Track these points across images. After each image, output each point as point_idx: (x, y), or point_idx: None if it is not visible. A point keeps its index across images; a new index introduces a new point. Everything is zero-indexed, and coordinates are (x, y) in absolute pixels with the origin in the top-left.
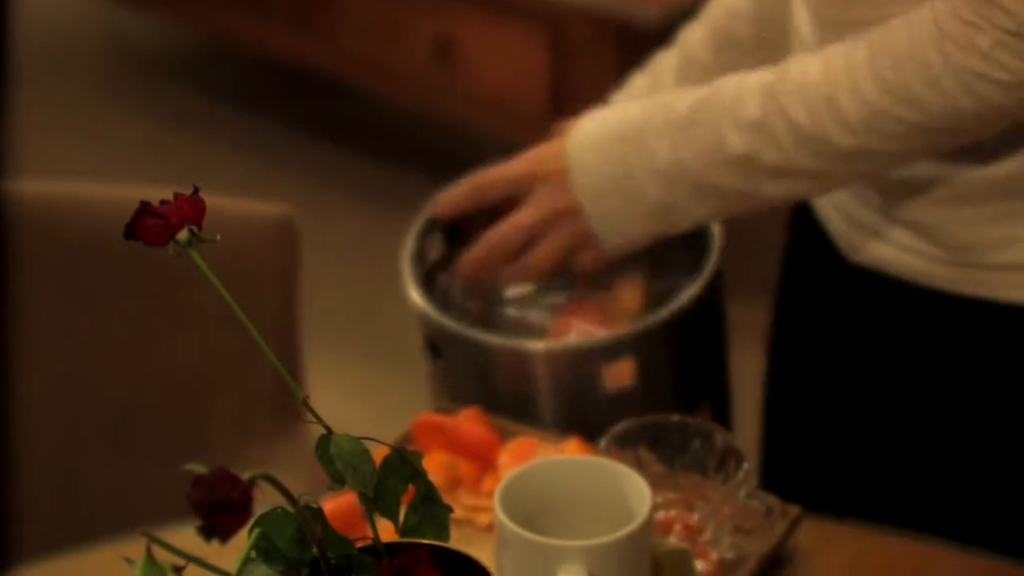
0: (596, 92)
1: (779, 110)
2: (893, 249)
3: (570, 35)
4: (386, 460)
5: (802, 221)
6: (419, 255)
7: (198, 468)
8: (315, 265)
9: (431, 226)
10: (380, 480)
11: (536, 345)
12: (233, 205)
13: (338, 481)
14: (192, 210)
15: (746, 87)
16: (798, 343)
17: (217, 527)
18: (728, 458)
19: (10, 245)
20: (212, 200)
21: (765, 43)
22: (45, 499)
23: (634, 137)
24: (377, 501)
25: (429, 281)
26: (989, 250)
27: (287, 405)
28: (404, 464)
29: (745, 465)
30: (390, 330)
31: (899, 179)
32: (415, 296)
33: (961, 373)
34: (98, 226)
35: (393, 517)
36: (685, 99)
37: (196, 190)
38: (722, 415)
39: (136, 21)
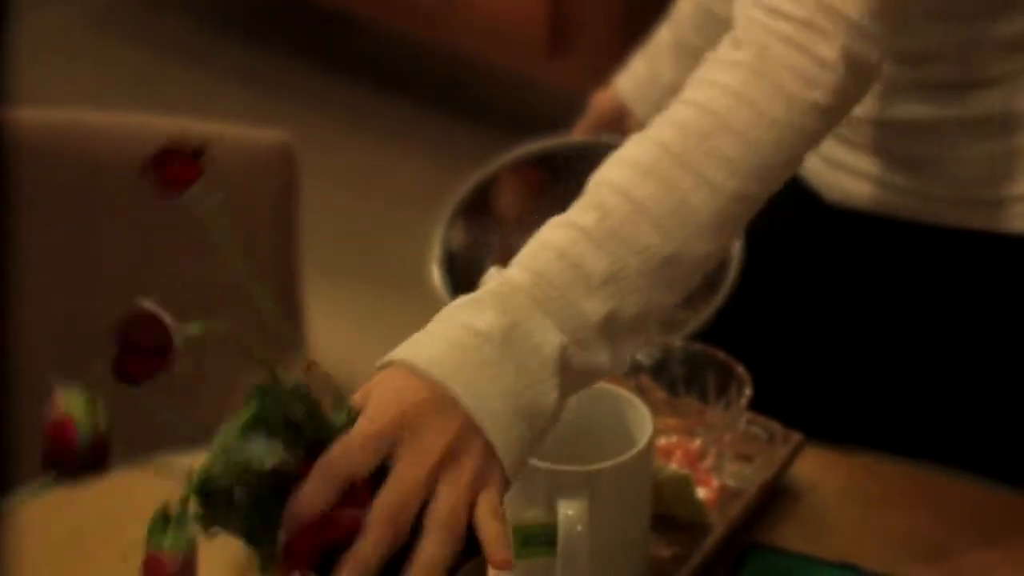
0: (596, 20)
1: (628, 252)
2: (882, 190)
3: None
4: None
5: None
6: (447, 243)
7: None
8: (315, 193)
9: (458, 214)
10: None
11: None
12: (232, 132)
13: None
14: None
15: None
16: (774, 285)
17: (130, 371)
18: (730, 384)
19: (7, 172)
20: (211, 127)
21: None
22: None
23: (510, 330)
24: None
25: (453, 269)
26: (993, 184)
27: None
28: None
29: (747, 391)
30: (391, 258)
31: (899, 120)
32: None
33: (956, 305)
34: (96, 153)
35: None
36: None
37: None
38: None
39: None
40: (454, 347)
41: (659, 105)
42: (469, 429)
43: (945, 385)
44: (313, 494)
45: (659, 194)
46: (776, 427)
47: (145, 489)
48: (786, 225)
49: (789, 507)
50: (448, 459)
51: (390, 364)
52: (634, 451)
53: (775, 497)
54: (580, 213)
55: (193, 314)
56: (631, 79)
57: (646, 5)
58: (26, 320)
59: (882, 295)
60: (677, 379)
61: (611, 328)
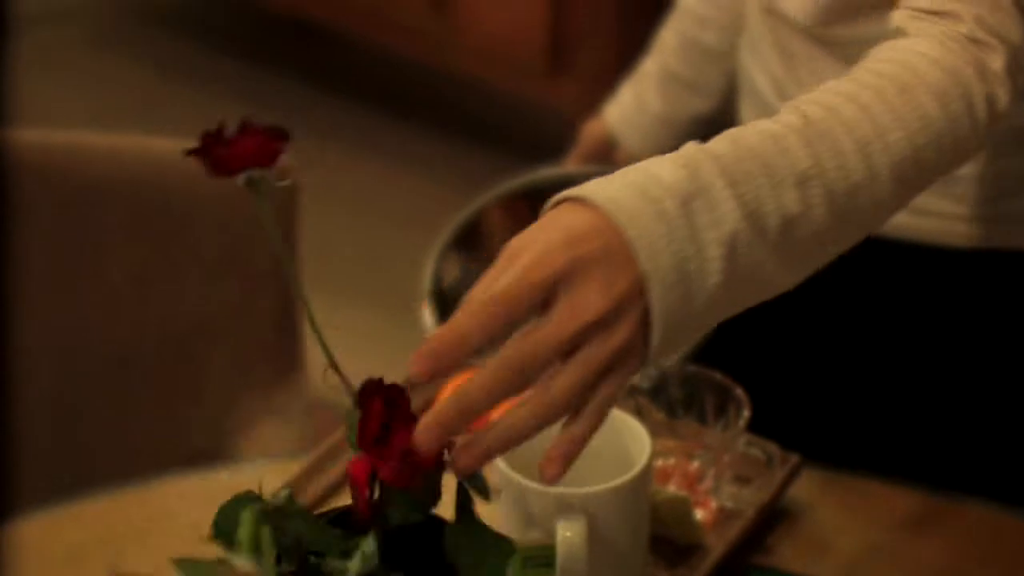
0: (595, 40)
1: (830, 159)
2: (903, 213)
3: None
4: None
5: None
6: (437, 279)
7: None
8: (314, 215)
9: (448, 249)
10: None
11: None
12: None
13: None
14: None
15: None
16: (772, 307)
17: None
18: (728, 406)
19: (8, 193)
20: None
21: (733, 50)
22: (44, 447)
23: (693, 196)
24: None
25: (443, 305)
26: (1010, 199)
27: (285, 353)
28: None
29: (745, 413)
30: (390, 279)
31: None
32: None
33: (956, 325)
34: (96, 174)
35: None
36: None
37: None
38: None
39: None
40: (636, 192)
41: (648, 135)
42: (632, 291)
43: (946, 407)
44: (468, 327)
45: (861, 118)
46: (774, 449)
47: (142, 507)
48: None
49: (787, 529)
50: (600, 325)
51: (563, 201)
52: (632, 473)
53: (773, 519)
54: (783, 116)
55: (192, 334)
56: (619, 110)
57: (643, 26)
58: (26, 340)
59: (882, 316)
60: (675, 401)
61: (790, 233)
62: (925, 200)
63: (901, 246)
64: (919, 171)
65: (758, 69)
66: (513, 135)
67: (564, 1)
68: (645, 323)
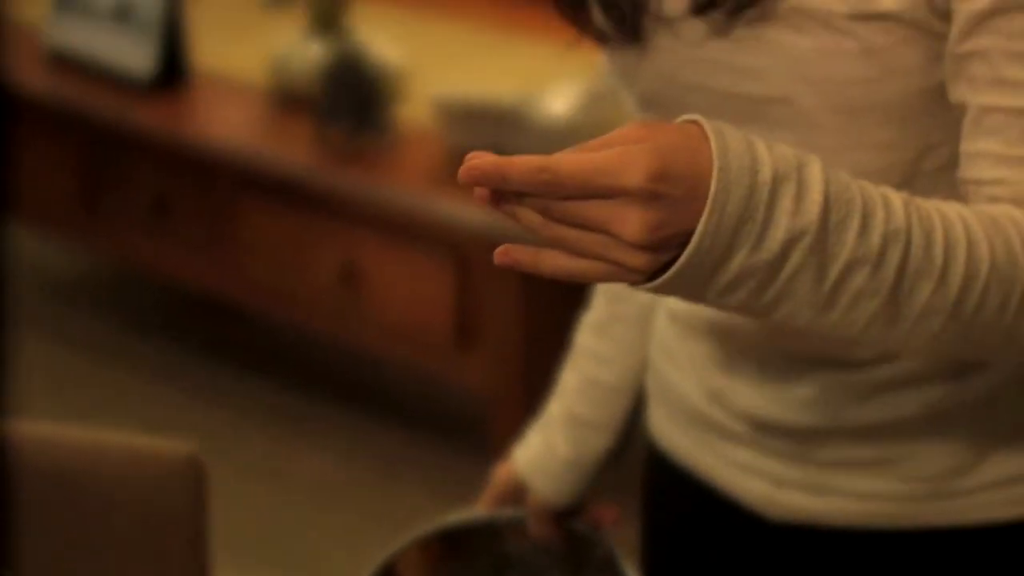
0: (501, 318)
1: (919, 235)
2: (843, 500)
3: (474, 261)
4: None
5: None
6: None
7: None
8: (224, 493)
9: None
10: None
11: None
12: (138, 444)
13: None
14: None
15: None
16: None
17: None
18: None
19: None
20: (119, 438)
21: (631, 386)
22: None
23: (789, 179)
24: None
25: None
26: (960, 475)
27: None
28: None
29: None
30: (303, 556)
31: (866, 424)
32: None
33: None
34: (7, 460)
35: None
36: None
37: None
38: None
39: (46, 249)
40: (744, 141)
41: (557, 478)
42: (680, 236)
43: None
44: (513, 172)
45: (957, 224)
46: None
47: None
48: (702, 543)
49: None
50: (631, 245)
51: (694, 122)
52: None
53: None
54: (889, 189)
55: None
56: (527, 454)
57: (547, 305)
58: None
59: None
60: None
61: (848, 276)
62: (886, 486)
63: (834, 534)
64: (978, 308)
65: (681, 378)
66: (422, 411)
67: (470, 280)
68: (671, 254)
